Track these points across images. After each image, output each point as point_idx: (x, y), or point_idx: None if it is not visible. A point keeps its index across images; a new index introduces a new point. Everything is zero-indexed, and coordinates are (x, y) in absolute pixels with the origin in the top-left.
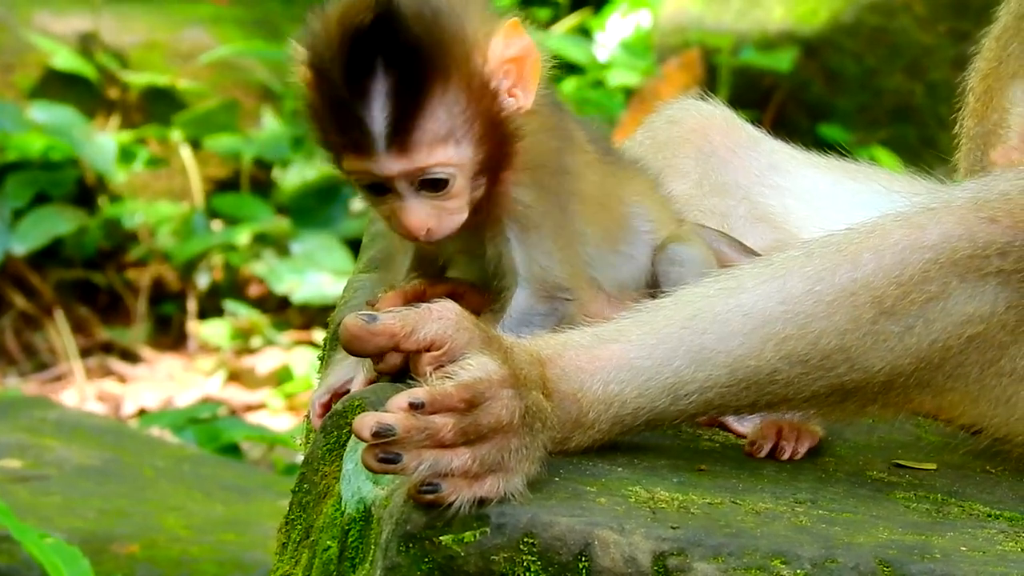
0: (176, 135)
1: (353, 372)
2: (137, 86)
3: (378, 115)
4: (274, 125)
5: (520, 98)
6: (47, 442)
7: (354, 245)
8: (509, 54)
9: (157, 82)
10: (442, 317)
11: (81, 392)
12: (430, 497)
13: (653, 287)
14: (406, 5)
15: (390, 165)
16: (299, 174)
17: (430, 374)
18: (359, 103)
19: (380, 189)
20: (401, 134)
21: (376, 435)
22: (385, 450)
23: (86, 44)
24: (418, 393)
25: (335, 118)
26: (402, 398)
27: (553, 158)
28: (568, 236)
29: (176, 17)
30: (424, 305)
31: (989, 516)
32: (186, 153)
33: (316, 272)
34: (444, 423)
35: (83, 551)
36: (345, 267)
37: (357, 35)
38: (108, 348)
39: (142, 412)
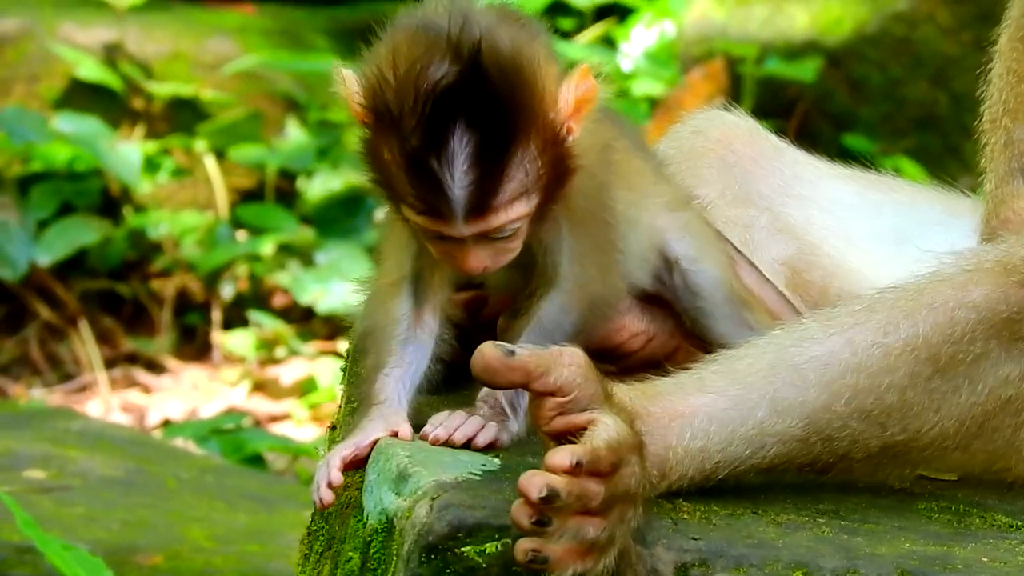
0: (201, 145)
1: (368, 432)
2: (162, 96)
3: (458, 180)
4: (299, 135)
5: (575, 129)
6: (71, 453)
7: None
8: (577, 98)
9: (182, 92)
10: (572, 364)
11: (105, 403)
12: (536, 567)
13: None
14: (490, 58)
15: (464, 229)
16: (324, 184)
17: (550, 421)
18: (437, 165)
19: (443, 238)
20: (481, 201)
21: (544, 499)
22: (542, 513)
23: (111, 54)
24: (578, 451)
25: (407, 174)
26: (564, 456)
27: (601, 166)
28: (610, 244)
29: (201, 27)
30: (556, 348)
31: (1011, 527)
32: (211, 163)
33: (341, 282)
34: (596, 491)
35: (107, 562)
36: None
37: (439, 90)
38: (132, 359)
39: (166, 423)
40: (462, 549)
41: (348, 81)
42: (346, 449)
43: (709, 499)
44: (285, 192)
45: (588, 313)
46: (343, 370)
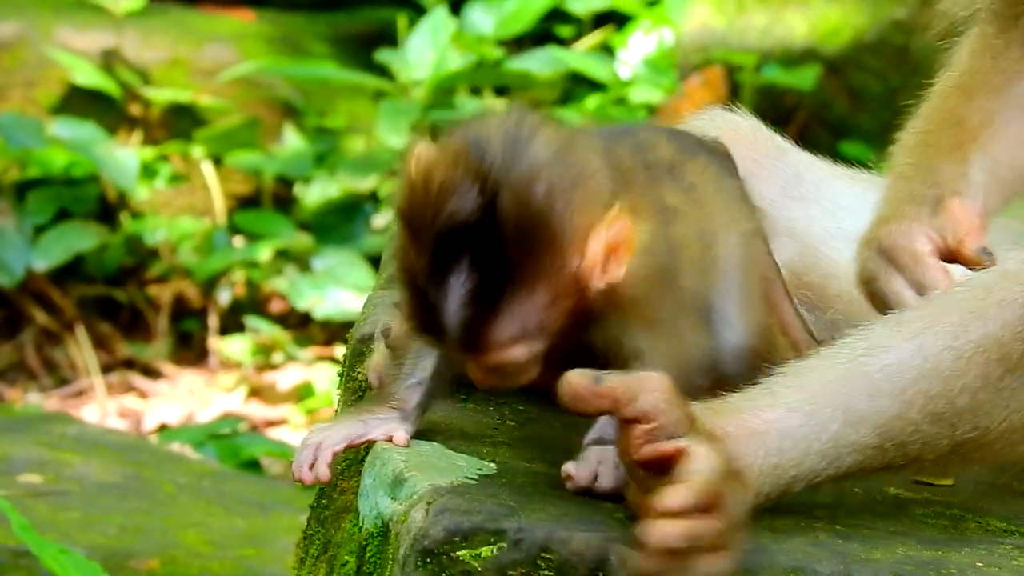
0: (198, 151)
1: (365, 429)
2: (159, 102)
3: (452, 315)
4: (296, 142)
5: (612, 273)
6: (67, 458)
7: (376, 261)
8: (608, 243)
9: (179, 98)
10: (656, 389)
11: (102, 408)
12: None
13: None
14: (510, 203)
15: (459, 356)
16: (321, 191)
17: (639, 449)
18: (438, 293)
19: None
20: (472, 337)
21: (673, 550)
22: (671, 560)
23: (108, 60)
24: (689, 492)
25: (410, 293)
26: (677, 498)
27: (663, 254)
28: (682, 291)
29: (198, 33)
30: (640, 373)
31: (1006, 532)
32: (208, 169)
33: (338, 288)
34: (713, 527)
35: (103, 567)
36: (366, 283)
37: (453, 224)
38: (129, 364)
39: (163, 428)
40: (458, 553)
41: (409, 163)
42: (338, 445)
43: None
44: (282, 198)
45: (685, 379)
46: (340, 375)
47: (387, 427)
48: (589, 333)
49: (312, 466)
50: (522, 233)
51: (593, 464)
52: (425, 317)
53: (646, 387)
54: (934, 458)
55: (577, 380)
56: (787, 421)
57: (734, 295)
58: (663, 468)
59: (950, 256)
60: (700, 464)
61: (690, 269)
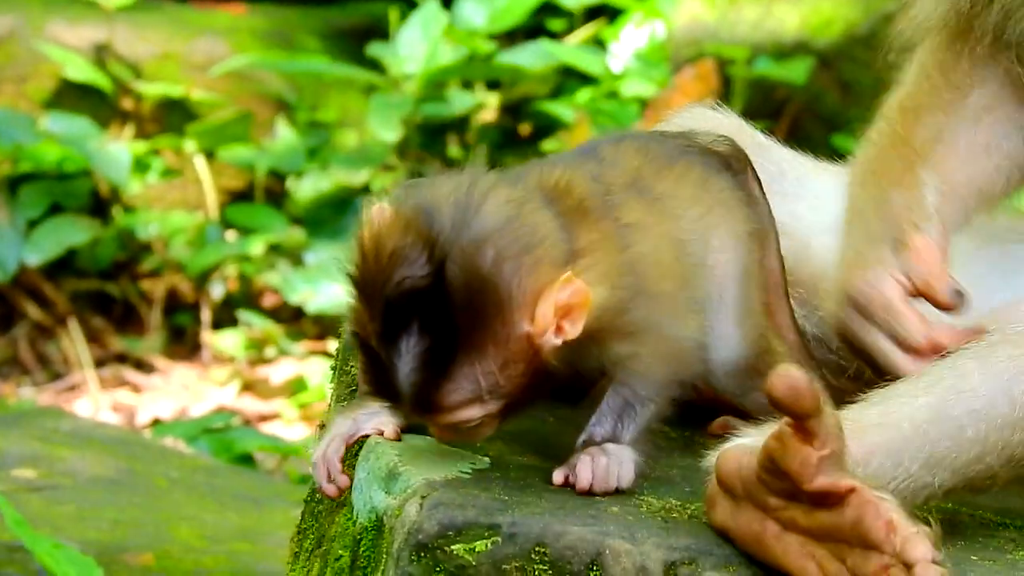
0: (190, 146)
1: (357, 426)
2: (151, 97)
3: (403, 377)
4: (288, 136)
5: (567, 332)
6: (61, 452)
7: None
8: (560, 304)
9: (171, 93)
10: (832, 414)
11: (95, 402)
12: None
13: None
14: (457, 270)
15: (412, 417)
16: (313, 185)
17: (813, 478)
18: (387, 358)
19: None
20: (424, 399)
21: None
22: None
23: (100, 55)
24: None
25: (364, 355)
26: (926, 546)
27: (625, 290)
28: (658, 294)
29: (190, 27)
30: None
31: (999, 524)
32: (200, 164)
33: (330, 282)
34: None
35: (96, 561)
36: None
37: (397, 291)
38: (122, 358)
39: (156, 422)
40: (452, 547)
41: (362, 228)
42: (339, 450)
43: (699, 499)
44: (275, 192)
45: (677, 376)
46: (333, 369)
47: (377, 421)
48: (566, 363)
49: (330, 478)
50: (469, 299)
51: (587, 467)
52: (379, 379)
53: (827, 409)
54: (994, 489)
55: (797, 375)
56: (870, 460)
57: (728, 309)
58: (829, 505)
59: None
60: (894, 513)
61: (666, 276)
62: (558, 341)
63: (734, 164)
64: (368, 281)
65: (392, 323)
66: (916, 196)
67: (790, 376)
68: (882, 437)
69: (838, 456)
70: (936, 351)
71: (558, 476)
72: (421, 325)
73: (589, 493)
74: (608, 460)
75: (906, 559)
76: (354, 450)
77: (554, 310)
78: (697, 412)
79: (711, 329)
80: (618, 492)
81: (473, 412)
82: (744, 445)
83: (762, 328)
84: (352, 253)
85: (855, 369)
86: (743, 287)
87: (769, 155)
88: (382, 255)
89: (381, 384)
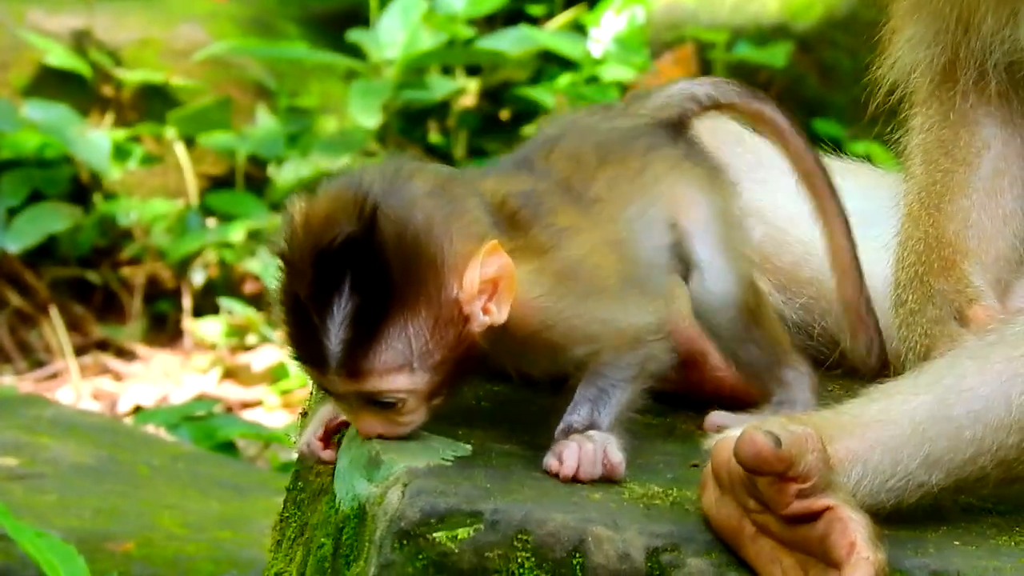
0: (170, 132)
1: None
2: (131, 84)
3: (333, 336)
4: (268, 122)
5: (494, 314)
6: (42, 440)
7: None
8: (486, 277)
9: (151, 79)
10: (816, 449)
11: (76, 390)
12: None
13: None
14: (386, 226)
15: (338, 385)
16: (294, 171)
17: (788, 505)
18: (317, 318)
19: (332, 393)
20: (353, 360)
21: None
22: None
23: (80, 41)
24: (879, 564)
25: (293, 322)
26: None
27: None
28: (603, 293)
29: (170, 14)
30: (802, 431)
31: (982, 510)
32: (180, 150)
33: None
34: None
35: (79, 549)
36: None
37: (329, 248)
38: (103, 346)
39: (137, 410)
40: (434, 535)
41: (281, 229)
42: (317, 431)
43: (681, 486)
44: (255, 179)
45: (647, 345)
46: None
47: None
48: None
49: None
50: (401, 254)
51: (573, 454)
52: (305, 343)
53: (807, 446)
54: (983, 491)
55: (762, 441)
56: (870, 457)
57: (712, 244)
58: (804, 520)
59: None
60: (859, 535)
61: (608, 275)
62: (486, 320)
63: (684, 126)
64: (299, 244)
65: (322, 281)
66: (963, 280)
67: (754, 443)
68: (883, 434)
69: (819, 483)
70: None
71: (552, 463)
72: (352, 284)
73: (574, 480)
74: (594, 447)
75: None
76: (337, 438)
77: (480, 280)
78: (681, 401)
79: (699, 262)
80: (610, 482)
81: (401, 381)
82: None
83: (750, 266)
84: (282, 229)
85: (835, 360)
86: (722, 226)
87: (744, 143)
88: (313, 220)
89: (307, 349)
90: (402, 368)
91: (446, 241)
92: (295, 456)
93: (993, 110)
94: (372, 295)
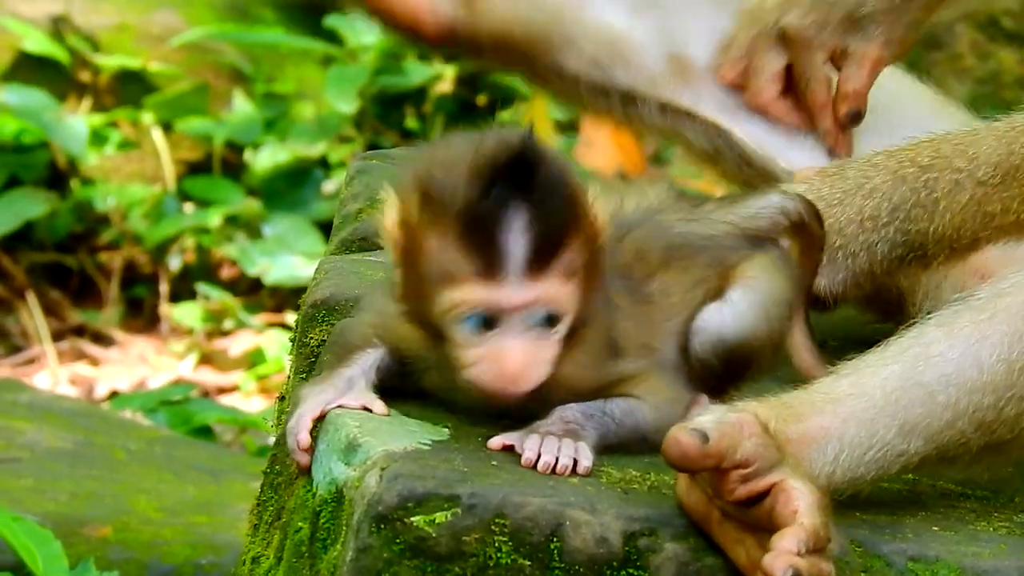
0: (147, 118)
1: (337, 394)
2: (108, 69)
3: (518, 238)
4: (245, 108)
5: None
6: (19, 425)
7: (325, 228)
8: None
9: (128, 65)
10: (752, 434)
11: (53, 375)
12: None
13: None
14: (541, 150)
15: (518, 293)
16: (271, 156)
17: (734, 492)
18: (497, 226)
19: (483, 324)
20: (539, 258)
21: None
22: None
23: (57, 27)
24: (802, 536)
25: (462, 244)
26: (791, 542)
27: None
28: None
29: (147, 0)
30: (735, 418)
31: (961, 495)
32: (157, 136)
33: (288, 254)
34: (826, 569)
35: (55, 533)
36: (316, 249)
37: (497, 168)
38: (80, 331)
39: (114, 395)
40: (412, 519)
41: (397, 198)
42: (313, 412)
43: (659, 470)
44: (232, 164)
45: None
46: (292, 341)
47: (362, 398)
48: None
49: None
50: (552, 178)
51: (535, 443)
52: (481, 254)
53: (742, 433)
54: (967, 459)
55: (686, 441)
56: (844, 431)
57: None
58: (756, 501)
59: None
60: (802, 504)
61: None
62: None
63: (769, 239)
64: (461, 177)
65: (497, 196)
66: None
67: (678, 443)
68: (855, 407)
69: (763, 465)
70: None
71: (498, 442)
72: (526, 195)
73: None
74: (560, 444)
75: (772, 545)
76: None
77: (604, 222)
78: None
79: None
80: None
81: (570, 289)
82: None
83: (772, 325)
84: (418, 179)
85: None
86: (767, 286)
87: None
88: (460, 160)
89: (484, 259)
90: (573, 276)
91: (576, 175)
92: (272, 440)
93: None
94: (546, 205)
